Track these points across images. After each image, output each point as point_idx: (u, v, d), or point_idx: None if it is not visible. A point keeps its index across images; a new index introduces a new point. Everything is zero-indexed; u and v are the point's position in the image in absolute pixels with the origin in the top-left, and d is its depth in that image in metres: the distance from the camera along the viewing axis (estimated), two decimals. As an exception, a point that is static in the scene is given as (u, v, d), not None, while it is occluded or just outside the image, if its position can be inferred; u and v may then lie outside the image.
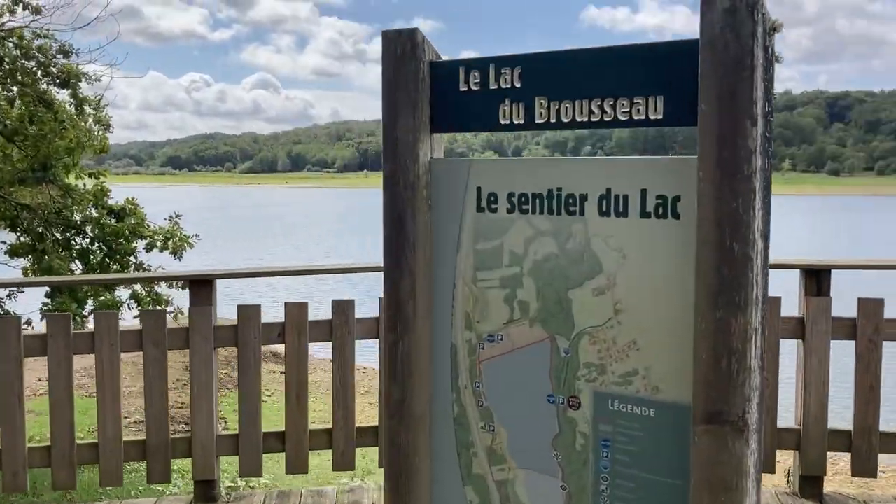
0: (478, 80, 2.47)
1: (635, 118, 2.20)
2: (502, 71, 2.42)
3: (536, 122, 2.37)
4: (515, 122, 2.41)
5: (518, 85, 2.39)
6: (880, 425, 5.17)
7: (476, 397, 2.55)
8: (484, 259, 2.49)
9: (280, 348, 5.47)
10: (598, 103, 2.26)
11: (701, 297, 2.06)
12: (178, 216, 10.85)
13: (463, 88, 2.50)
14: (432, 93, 2.54)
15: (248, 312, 5.21)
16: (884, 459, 5.39)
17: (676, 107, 2.14)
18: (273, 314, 5.70)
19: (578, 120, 2.29)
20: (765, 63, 2.01)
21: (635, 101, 2.20)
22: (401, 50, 2.52)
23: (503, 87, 2.42)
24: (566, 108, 2.31)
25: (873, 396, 5.15)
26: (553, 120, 2.34)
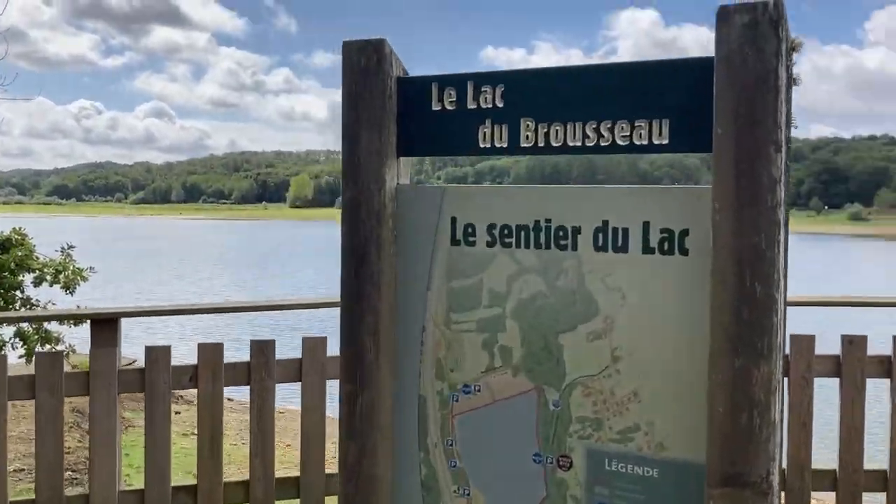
0: (453, 99, 2.21)
1: (637, 143, 1.99)
2: (482, 89, 2.16)
3: (522, 146, 2.12)
4: (497, 145, 2.15)
5: (500, 105, 2.15)
6: (812, 462, 5.13)
7: (448, 457, 2.25)
8: (459, 298, 2.21)
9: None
10: (594, 126, 2.03)
11: (717, 343, 1.84)
12: (70, 247, 10.08)
13: (436, 107, 2.23)
14: (399, 111, 2.26)
15: (157, 354, 4.72)
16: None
17: (684, 131, 1.94)
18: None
19: (571, 144, 2.06)
20: (787, 84, 1.83)
21: (636, 124, 1.99)
22: (364, 62, 2.24)
23: (483, 106, 2.17)
24: (556, 131, 2.08)
25: (805, 434, 5.11)
26: (541, 144, 2.09)
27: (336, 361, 4.99)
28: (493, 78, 2.15)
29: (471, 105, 2.18)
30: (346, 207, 2.26)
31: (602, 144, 2.02)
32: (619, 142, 2.00)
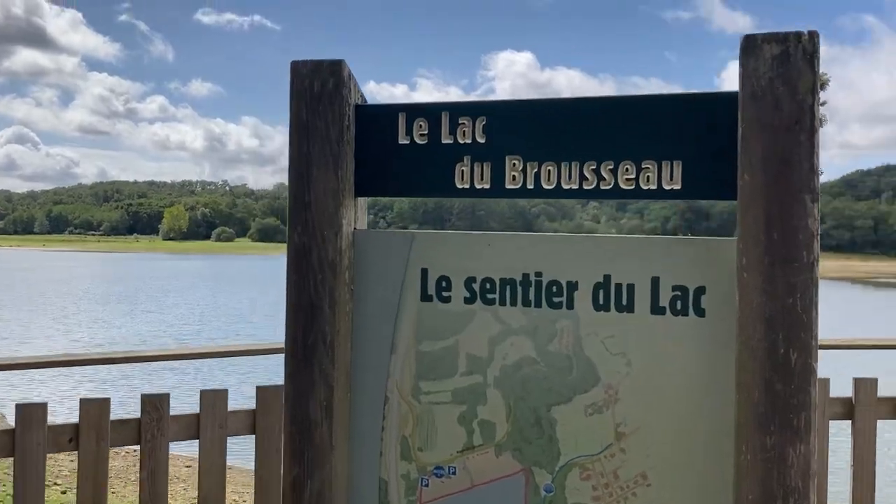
0: (425, 132, 1.90)
1: (644, 188, 1.74)
2: (460, 121, 1.87)
3: (507, 187, 1.84)
4: (478, 186, 1.86)
5: (482, 140, 1.86)
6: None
7: (416, 552, 1.90)
8: (430, 364, 1.89)
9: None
10: (593, 167, 1.78)
11: (745, 419, 1.60)
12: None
13: (403, 141, 1.92)
14: (358, 145, 1.94)
15: (31, 413, 4.11)
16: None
17: (701, 175, 1.71)
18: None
19: (566, 188, 1.79)
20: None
21: (643, 166, 1.74)
22: (318, 86, 1.90)
23: (461, 141, 1.88)
24: (549, 171, 1.81)
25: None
26: (531, 186, 1.82)
27: (237, 417, 4.55)
28: (473, 108, 1.87)
29: (446, 139, 1.88)
30: (293, 256, 1.91)
31: (603, 188, 1.76)
32: (623, 185, 1.75)
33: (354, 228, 1.95)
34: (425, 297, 1.90)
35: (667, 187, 1.72)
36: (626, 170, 1.75)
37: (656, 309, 1.73)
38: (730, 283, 1.66)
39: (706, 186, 1.70)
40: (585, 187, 1.77)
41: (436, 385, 1.88)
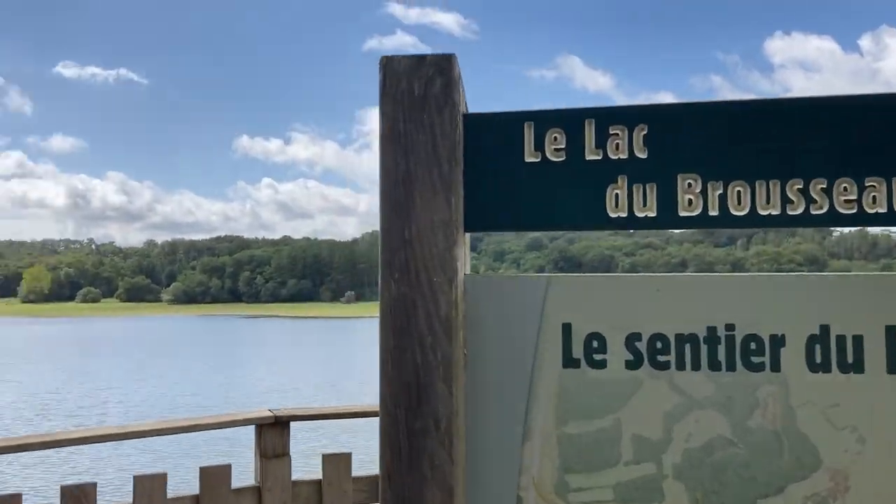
0: (562, 146, 1.46)
1: (869, 212, 1.36)
2: (612, 131, 1.45)
3: (681, 215, 1.41)
4: (639, 214, 1.43)
5: (642, 155, 1.43)
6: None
7: None
8: (581, 452, 1.42)
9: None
10: (799, 187, 1.38)
11: None
12: None
13: (532, 158, 1.47)
14: (468, 164, 1.48)
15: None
16: None
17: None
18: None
19: (763, 214, 1.39)
20: None
21: (867, 184, 1.36)
22: (421, 88, 1.44)
23: (613, 157, 1.44)
24: (738, 192, 1.40)
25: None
26: (714, 212, 1.40)
27: (179, 505, 3.86)
28: (629, 114, 1.44)
29: (591, 155, 1.45)
30: (390, 312, 1.41)
31: (813, 213, 1.37)
32: (841, 209, 1.37)
33: (464, 274, 1.48)
34: (570, 363, 1.43)
35: (906, 216, 1.34)
36: (844, 189, 1.37)
37: (895, 367, 1.34)
38: None
39: (955, 208, 1.34)
40: (790, 212, 1.37)
41: (590, 479, 1.41)
